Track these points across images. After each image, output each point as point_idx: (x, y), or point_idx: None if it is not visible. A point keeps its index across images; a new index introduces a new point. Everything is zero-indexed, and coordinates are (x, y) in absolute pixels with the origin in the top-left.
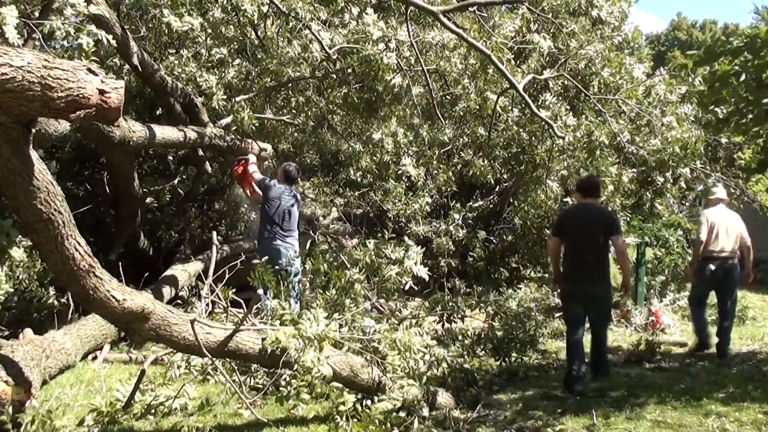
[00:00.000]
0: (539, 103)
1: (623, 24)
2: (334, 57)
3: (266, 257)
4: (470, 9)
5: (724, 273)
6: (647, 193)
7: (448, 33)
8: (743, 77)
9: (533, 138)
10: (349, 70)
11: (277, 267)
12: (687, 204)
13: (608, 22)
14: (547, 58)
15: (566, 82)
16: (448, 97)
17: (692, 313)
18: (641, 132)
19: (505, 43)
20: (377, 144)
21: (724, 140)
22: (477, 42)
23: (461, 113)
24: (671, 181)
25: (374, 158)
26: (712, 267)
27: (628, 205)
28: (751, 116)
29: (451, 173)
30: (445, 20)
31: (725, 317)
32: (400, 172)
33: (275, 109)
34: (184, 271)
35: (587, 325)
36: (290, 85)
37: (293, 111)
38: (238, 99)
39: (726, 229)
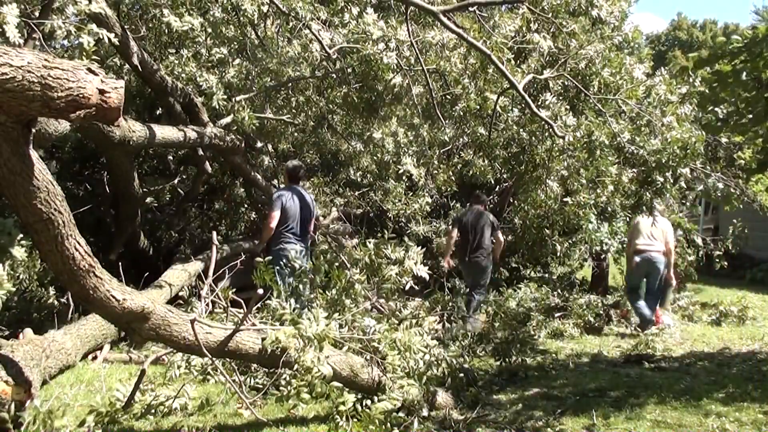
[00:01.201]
0: (539, 103)
1: (623, 24)
2: (334, 57)
3: (281, 260)
4: (470, 9)
5: (647, 263)
6: (647, 193)
7: (448, 33)
8: (743, 76)
9: (533, 138)
10: (349, 70)
11: (289, 269)
12: (687, 204)
13: (608, 22)
14: (548, 58)
15: (566, 82)
16: (448, 96)
17: (630, 300)
18: (641, 132)
19: (505, 43)
20: (378, 144)
21: (724, 140)
22: (477, 42)
23: (461, 113)
24: (671, 181)
25: (375, 158)
26: (637, 259)
27: (628, 205)
28: (750, 116)
29: (451, 173)
30: (445, 20)
31: (649, 297)
32: (400, 171)
33: (275, 109)
34: (184, 271)
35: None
36: (290, 84)
37: (293, 111)
38: (238, 99)
39: (650, 232)
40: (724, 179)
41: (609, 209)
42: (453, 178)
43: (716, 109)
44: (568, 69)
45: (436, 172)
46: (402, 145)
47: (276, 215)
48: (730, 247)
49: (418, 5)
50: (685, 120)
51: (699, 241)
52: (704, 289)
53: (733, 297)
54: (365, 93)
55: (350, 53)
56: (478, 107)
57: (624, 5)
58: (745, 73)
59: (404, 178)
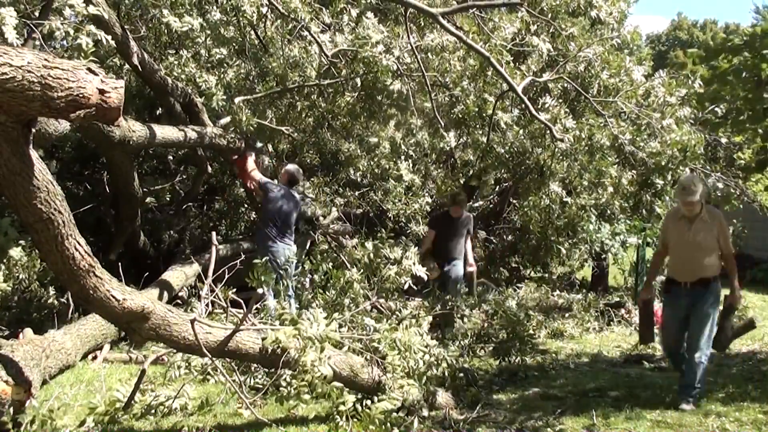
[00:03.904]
0: (539, 106)
1: (623, 24)
2: (339, 63)
3: (266, 258)
4: (469, 11)
5: None
6: (647, 196)
7: (447, 35)
8: (743, 75)
9: (532, 140)
10: (353, 76)
11: (276, 267)
12: None
13: (608, 23)
14: (547, 59)
15: (566, 85)
16: (447, 99)
17: None
18: (641, 133)
19: (504, 46)
20: (373, 148)
21: (724, 140)
22: (476, 44)
23: (460, 115)
24: (671, 183)
25: (371, 163)
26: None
27: (628, 207)
28: (748, 113)
29: (450, 181)
30: (443, 22)
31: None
32: (395, 176)
33: (275, 109)
34: (183, 273)
35: None
36: (295, 90)
37: (297, 113)
38: (237, 100)
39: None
40: (724, 179)
41: (609, 211)
42: (455, 186)
43: (716, 109)
44: (568, 71)
45: (435, 174)
46: (400, 147)
47: (259, 178)
48: None
49: (416, 7)
50: (684, 122)
51: None
52: None
53: None
54: (368, 101)
55: (354, 60)
56: (477, 109)
57: (623, 5)
58: (744, 73)
59: (404, 178)
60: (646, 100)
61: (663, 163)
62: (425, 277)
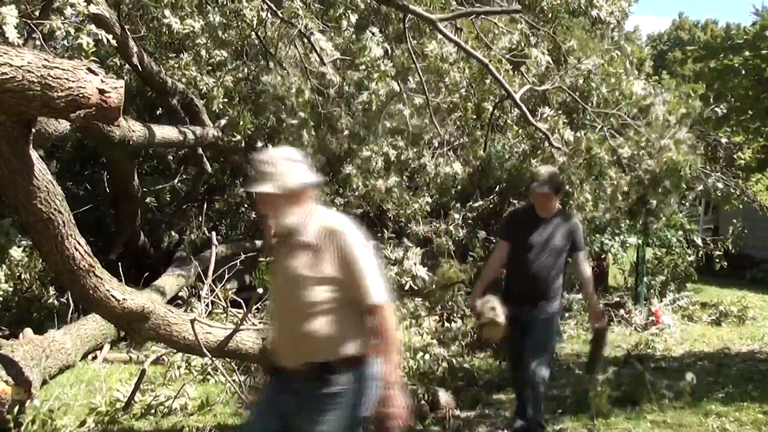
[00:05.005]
0: (538, 117)
1: (623, 24)
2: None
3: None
4: (468, 18)
5: None
6: (642, 210)
7: (448, 45)
8: (743, 73)
9: (532, 144)
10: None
11: None
12: (687, 204)
13: (608, 22)
14: (545, 67)
15: (565, 96)
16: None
17: None
18: (640, 150)
19: (503, 54)
20: (365, 162)
21: (724, 140)
22: (475, 52)
23: (458, 122)
24: (661, 206)
25: (368, 183)
26: None
27: (622, 218)
28: (751, 112)
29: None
30: (442, 27)
31: None
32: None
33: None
34: (182, 273)
35: None
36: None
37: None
38: (235, 104)
39: None
40: (724, 179)
41: (602, 222)
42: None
43: (716, 109)
44: (567, 84)
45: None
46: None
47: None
48: (730, 247)
49: (415, 12)
50: (682, 143)
51: (699, 241)
52: (704, 289)
53: (733, 297)
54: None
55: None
56: (475, 117)
57: (624, 4)
58: (744, 71)
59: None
60: (645, 117)
61: (659, 178)
62: (426, 277)
